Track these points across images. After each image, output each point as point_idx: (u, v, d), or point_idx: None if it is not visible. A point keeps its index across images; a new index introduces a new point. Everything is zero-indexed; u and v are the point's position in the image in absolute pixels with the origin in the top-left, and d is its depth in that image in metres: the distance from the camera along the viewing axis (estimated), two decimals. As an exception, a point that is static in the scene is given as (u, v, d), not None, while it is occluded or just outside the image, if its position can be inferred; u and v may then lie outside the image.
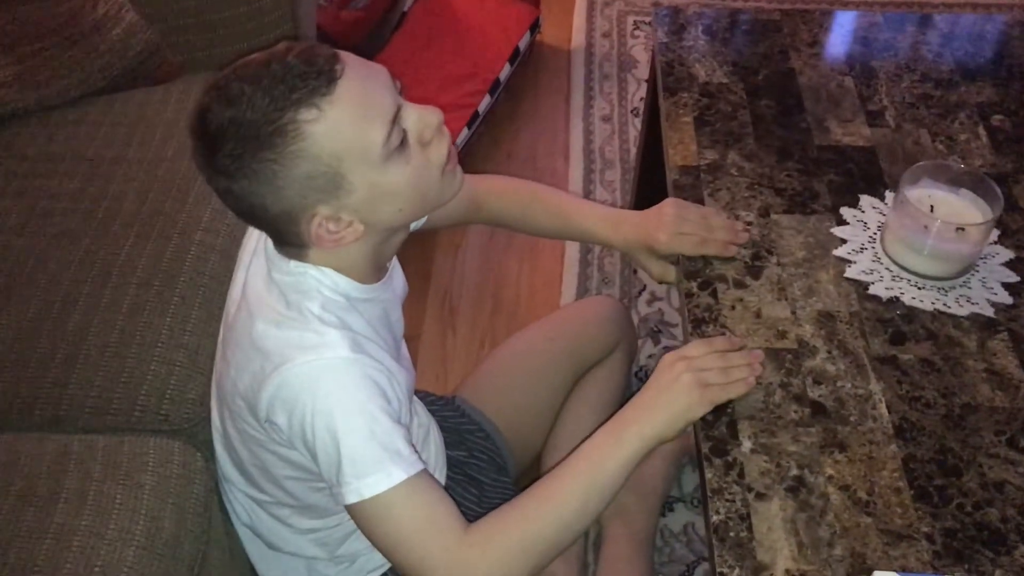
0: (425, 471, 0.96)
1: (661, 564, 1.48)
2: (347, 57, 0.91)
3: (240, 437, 1.07)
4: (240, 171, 0.89)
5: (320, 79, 0.88)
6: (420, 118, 0.95)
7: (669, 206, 1.22)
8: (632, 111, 2.30)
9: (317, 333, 0.95)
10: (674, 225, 1.19)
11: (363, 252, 0.99)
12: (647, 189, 1.87)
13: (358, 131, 0.90)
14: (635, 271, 1.92)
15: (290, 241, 0.97)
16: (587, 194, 2.11)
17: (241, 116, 0.87)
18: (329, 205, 0.93)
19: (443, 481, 1.23)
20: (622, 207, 2.06)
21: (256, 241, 1.05)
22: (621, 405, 1.05)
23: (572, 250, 1.98)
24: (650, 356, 1.77)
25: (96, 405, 1.21)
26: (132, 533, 1.05)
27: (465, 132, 2.05)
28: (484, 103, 2.13)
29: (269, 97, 0.87)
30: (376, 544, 0.98)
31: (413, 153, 0.95)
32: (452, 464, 1.27)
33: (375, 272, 1.04)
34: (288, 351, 0.94)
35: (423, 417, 1.22)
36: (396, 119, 0.93)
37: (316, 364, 0.94)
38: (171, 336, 1.26)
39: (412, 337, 1.63)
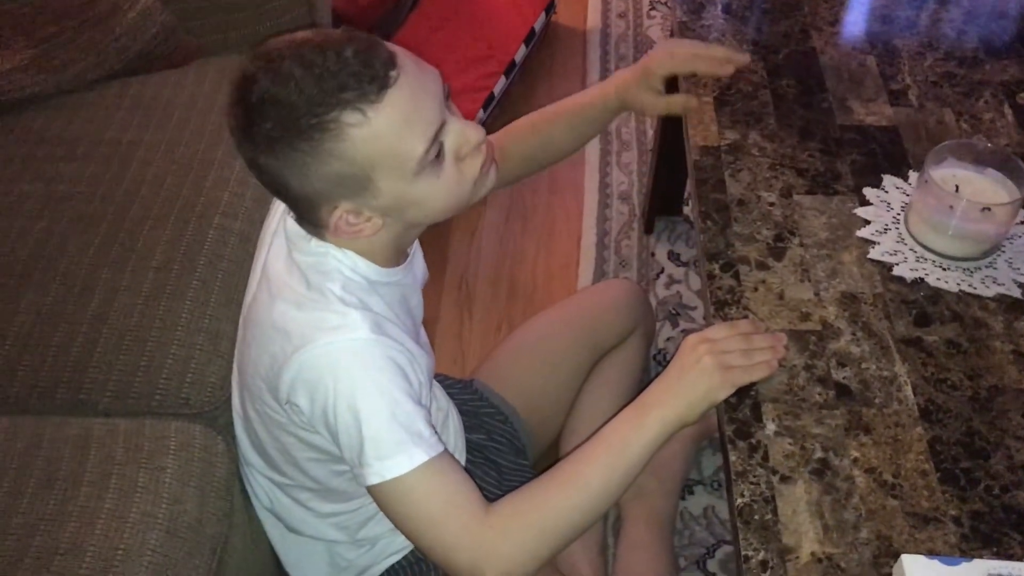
0: (446, 452, 0.96)
1: (681, 547, 1.48)
2: (404, 61, 0.89)
3: (260, 419, 1.07)
4: (271, 151, 0.89)
5: (373, 84, 0.86)
6: (460, 134, 0.94)
7: (661, 42, 1.23)
8: (649, 92, 2.28)
9: (338, 314, 0.94)
10: (666, 46, 1.20)
11: (384, 239, 0.99)
12: (665, 171, 1.86)
13: (397, 142, 0.89)
14: (652, 253, 1.91)
15: (310, 220, 0.97)
16: (603, 176, 2.10)
17: (286, 98, 0.86)
18: (353, 202, 0.93)
19: (462, 464, 1.23)
20: (640, 190, 2.06)
21: (277, 222, 1.04)
22: (639, 388, 1.04)
23: (589, 234, 1.97)
24: (668, 339, 1.76)
25: (117, 389, 1.21)
26: (155, 516, 1.06)
27: (481, 114, 2.04)
28: (499, 85, 2.12)
29: (318, 88, 0.85)
30: (398, 525, 0.98)
31: (447, 166, 0.94)
32: (471, 447, 1.27)
33: (396, 257, 1.04)
34: (309, 332, 0.94)
35: (442, 400, 1.22)
36: (438, 133, 0.92)
37: (338, 345, 0.93)
38: (191, 320, 1.26)
39: (429, 321, 1.62)
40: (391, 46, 0.90)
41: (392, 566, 1.19)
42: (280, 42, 0.89)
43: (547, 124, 1.28)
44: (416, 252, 1.12)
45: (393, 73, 0.88)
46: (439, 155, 0.93)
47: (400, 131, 0.89)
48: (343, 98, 0.86)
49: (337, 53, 0.86)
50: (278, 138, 0.87)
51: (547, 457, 1.43)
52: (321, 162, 0.88)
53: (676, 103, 1.20)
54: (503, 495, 0.99)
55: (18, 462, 1.10)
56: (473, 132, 0.95)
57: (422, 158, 0.91)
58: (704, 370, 0.97)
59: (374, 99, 0.87)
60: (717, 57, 1.16)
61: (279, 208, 1.07)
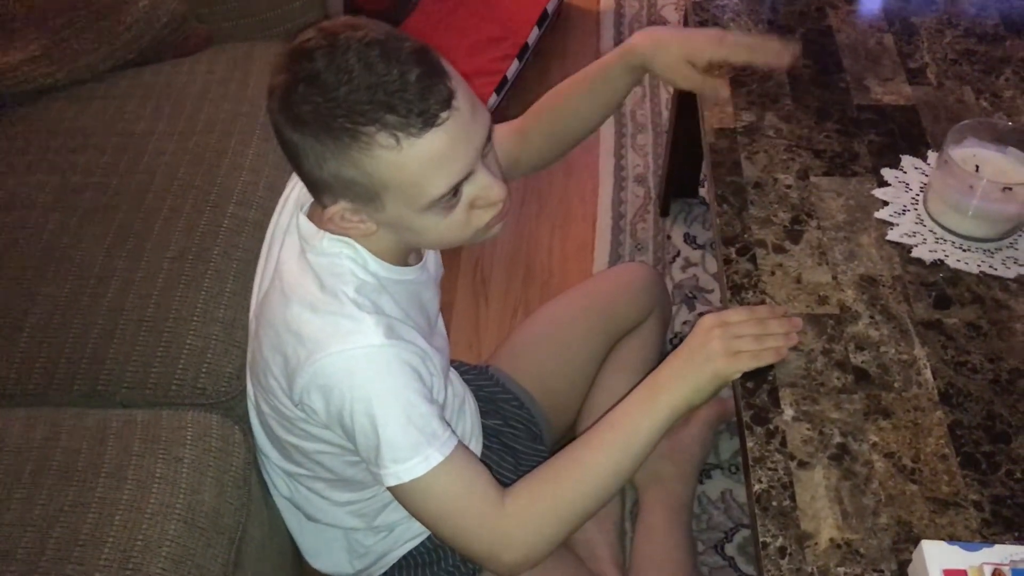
0: (460, 446, 0.97)
1: (699, 531, 1.47)
2: (460, 104, 0.86)
3: (274, 414, 1.07)
4: (298, 131, 0.87)
5: (419, 118, 0.84)
6: (484, 188, 0.92)
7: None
8: (663, 73, 2.26)
9: (352, 319, 0.94)
10: (720, 34, 1.12)
11: (393, 239, 0.98)
12: (681, 153, 1.85)
13: (419, 179, 0.87)
14: (668, 236, 1.90)
15: (314, 198, 0.96)
16: (618, 159, 2.08)
17: (332, 91, 0.83)
18: (354, 204, 0.92)
19: (479, 450, 1.23)
20: (655, 172, 2.04)
21: (288, 219, 1.04)
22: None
23: (604, 217, 1.96)
24: (685, 323, 1.75)
25: (134, 380, 1.21)
26: (172, 507, 1.06)
27: (494, 98, 2.03)
28: (513, 68, 2.10)
29: (368, 97, 0.83)
30: (416, 518, 1.00)
31: (458, 210, 0.92)
32: (488, 433, 1.27)
33: (408, 255, 1.03)
34: (323, 338, 0.93)
35: (458, 387, 1.22)
36: (462, 181, 0.90)
37: (352, 352, 0.93)
38: (206, 310, 1.26)
39: (444, 306, 1.61)
40: (456, 82, 0.87)
41: (410, 551, 1.20)
42: (352, 27, 0.86)
43: (566, 98, 1.23)
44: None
45: (444, 114, 0.85)
46: (454, 196, 0.91)
47: (426, 170, 0.87)
48: (386, 119, 0.83)
49: (402, 71, 0.83)
50: (308, 123, 0.86)
51: (564, 442, 1.41)
52: (339, 163, 0.87)
53: (710, 86, 1.13)
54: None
55: (37, 454, 1.10)
56: (496, 191, 0.93)
57: (436, 200, 0.89)
58: (711, 354, 0.97)
59: (414, 133, 0.84)
60: (771, 48, 1.11)
61: (288, 203, 1.06)
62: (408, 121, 0.84)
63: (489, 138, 0.92)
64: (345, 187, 0.89)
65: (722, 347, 0.96)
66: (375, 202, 0.90)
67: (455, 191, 0.90)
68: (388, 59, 0.84)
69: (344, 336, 0.93)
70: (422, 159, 0.86)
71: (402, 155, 0.85)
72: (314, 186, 0.93)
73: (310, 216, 0.99)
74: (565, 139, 1.27)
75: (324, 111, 0.84)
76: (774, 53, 1.11)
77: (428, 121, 0.84)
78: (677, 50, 1.10)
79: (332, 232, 0.96)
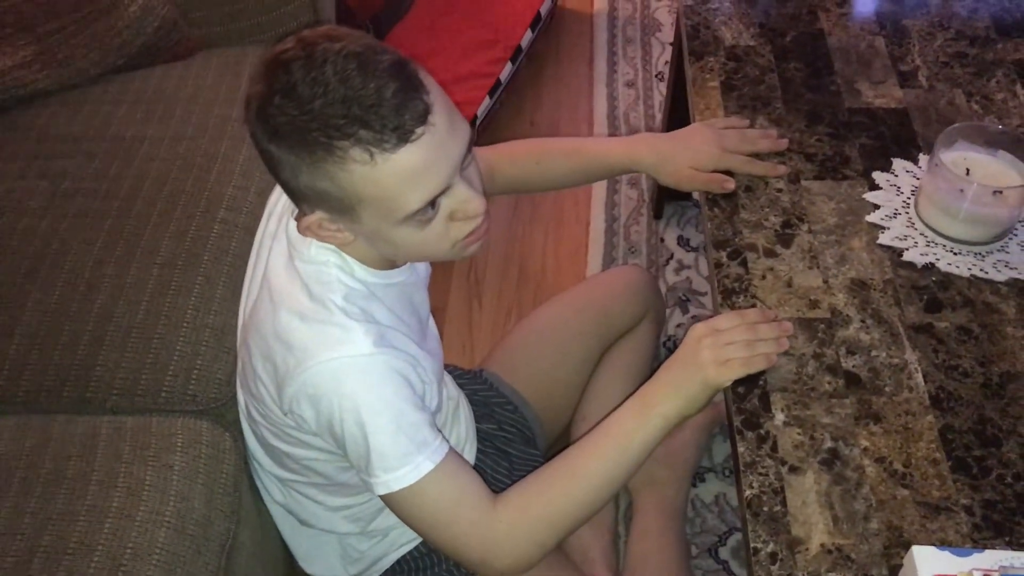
0: (451, 452, 0.97)
1: (693, 534, 1.47)
2: (437, 119, 0.85)
3: (264, 422, 1.07)
4: (273, 141, 0.86)
5: (394, 134, 0.83)
6: (462, 201, 0.91)
7: (703, 126, 1.22)
8: (657, 76, 2.26)
9: (342, 328, 0.93)
10: (719, 142, 1.18)
11: (368, 248, 0.97)
12: (673, 155, 1.84)
13: (394, 193, 0.87)
14: (662, 239, 1.90)
15: (295, 205, 0.96)
16: (612, 161, 2.08)
17: (307, 103, 0.82)
18: (331, 215, 0.91)
19: (473, 454, 1.23)
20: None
21: (276, 223, 1.03)
22: (650, 376, 1.04)
23: (598, 220, 1.96)
24: (678, 325, 1.75)
25: (123, 386, 1.21)
26: (162, 514, 1.06)
27: (487, 101, 2.02)
28: (506, 71, 2.10)
29: (343, 111, 0.82)
30: (408, 525, 1.00)
31: (436, 223, 0.91)
32: (482, 437, 1.27)
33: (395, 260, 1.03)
34: (312, 347, 0.93)
35: (452, 390, 1.21)
36: (439, 195, 0.89)
37: (341, 362, 0.93)
38: (196, 316, 1.25)
39: (437, 309, 1.60)
40: (434, 97, 0.86)
41: (404, 556, 1.20)
42: (331, 38, 0.85)
43: (557, 158, 1.25)
44: None
45: (419, 130, 0.84)
46: (432, 209, 0.90)
47: (401, 185, 0.86)
48: (360, 134, 0.83)
49: (378, 86, 0.82)
50: (284, 135, 0.85)
51: (559, 445, 1.42)
52: (313, 176, 0.86)
53: (716, 182, 1.17)
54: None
55: (26, 461, 1.10)
56: (475, 205, 0.92)
57: (412, 214, 0.88)
58: (702, 364, 0.97)
59: (388, 148, 0.83)
60: (766, 152, 1.20)
61: (277, 208, 1.06)
62: (382, 137, 0.83)
63: (469, 150, 0.91)
64: (320, 198, 0.89)
65: (712, 356, 0.96)
66: (351, 214, 0.89)
67: (432, 204, 0.89)
68: (365, 72, 0.83)
69: (333, 345, 0.92)
70: (397, 174, 0.85)
71: (376, 170, 0.84)
72: (292, 195, 0.93)
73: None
74: (530, 190, 1.30)
75: (299, 124, 0.83)
76: (772, 166, 1.19)
77: (403, 137, 0.83)
78: (682, 161, 1.19)
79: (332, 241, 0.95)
